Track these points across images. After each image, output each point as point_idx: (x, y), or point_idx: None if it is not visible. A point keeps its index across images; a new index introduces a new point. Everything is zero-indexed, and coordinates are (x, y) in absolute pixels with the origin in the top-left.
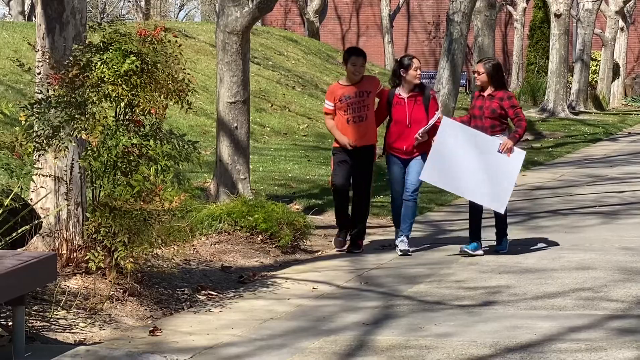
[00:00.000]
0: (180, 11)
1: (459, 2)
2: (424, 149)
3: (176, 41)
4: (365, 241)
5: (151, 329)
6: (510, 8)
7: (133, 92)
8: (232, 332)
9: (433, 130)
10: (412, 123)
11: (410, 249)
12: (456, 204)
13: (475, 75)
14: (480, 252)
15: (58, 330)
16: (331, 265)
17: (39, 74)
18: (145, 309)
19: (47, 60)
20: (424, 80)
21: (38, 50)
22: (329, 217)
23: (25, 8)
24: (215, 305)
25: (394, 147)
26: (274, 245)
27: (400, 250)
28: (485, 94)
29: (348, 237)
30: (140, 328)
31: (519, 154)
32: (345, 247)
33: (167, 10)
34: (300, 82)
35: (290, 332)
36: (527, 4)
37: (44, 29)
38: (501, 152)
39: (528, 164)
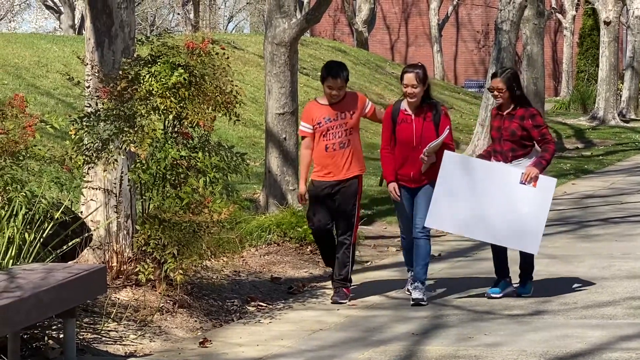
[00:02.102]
0: (229, 23)
1: (507, 10)
2: (432, 175)
3: (224, 53)
4: None
5: (201, 340)
6: (559, 16)
7: (181, 104)
8: (281, 343)
9: (441, 153)
10: (421, 144)
11: (426, 298)
12: None
13: (495, 92)
14: (510, 289)
15: (109, 342)
16: (380, 276)
17: (88, 87)
18: (195, 321)
19: (96, 74)
20: (472, 90)
21: (87, 63)
22: (378, 228)
23: (76, 22)
24: (264, 316)
25: (400, 173)
26: None
27: (413, 299)
28: (505, 112)
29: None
30: (190, 340)
31: (549, 183)
32: (347, 300)
33: (216, 22)
34: None
35: (340, 343)
36: (576, 11)
37: (93, 42)
38: (524, 184)
39: (578, 172)
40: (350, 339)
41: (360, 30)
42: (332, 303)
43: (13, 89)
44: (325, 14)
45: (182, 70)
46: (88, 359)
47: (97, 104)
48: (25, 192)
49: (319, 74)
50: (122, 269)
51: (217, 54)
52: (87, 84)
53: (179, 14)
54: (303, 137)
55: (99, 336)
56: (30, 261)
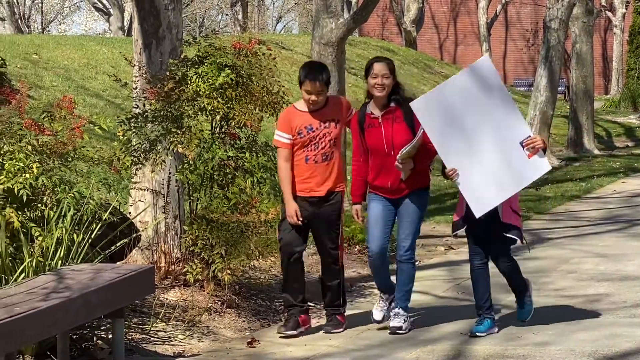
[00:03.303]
0: (277, 23)
1: (556, 8)
2: (417, 183)
3: (270, 53)
4: (465, 250)
5: (249, 340)
6: (609, 14)
7: (228, 105)
8: (329, 342)
9: (422, 155)
10: (393, 149)
11: (406, 326)
12: (555, 212)
13: None
14: (495, 329)
15: (157, 343)
16: (429, 275)
17: (136, 88)
18: (243, 321)
19: (144, 75)
20: (521, 89)
21: (135, 65)
22: (426, 227)
23: (125, 23)
24: (313, 316)
25: (376, 185)
26: None
27: (390, 327)
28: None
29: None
30: (238, 339)
31: (542, 164)
32: (302, 329)
33: (265, 22)
34: None
35: (387, 342)
36: (626, 9)
37: (141, 44)
38: (523, 148)
39: (628, 171)
40: (397, 339)
41: (409, 30)
42: (324, 333)
43: (62, 90)
44: (374, 13)
45: (229, 71)
46: (136, 359)
47: (144, 105)
48: (73, 193)
49: None
50: (170, 269)
51: (263, 54)
52: (134, 85)
53: (227, 15)
54: (280, 148)
55: (148, 336)
56: (78, 262)
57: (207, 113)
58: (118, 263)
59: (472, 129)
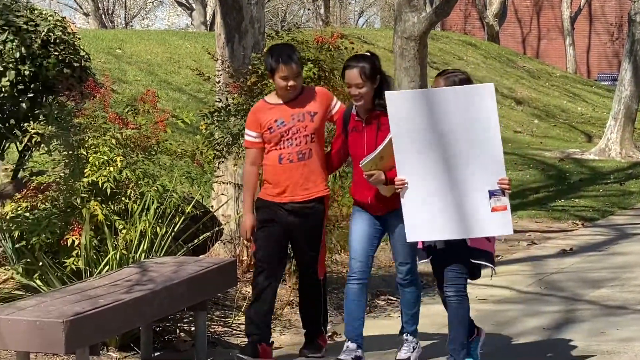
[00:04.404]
0: (359, 18)
1: None
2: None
3: (353, 47)
4: (548, 245)
5: (329, 334)
6: None
7: None
8: None
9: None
10: None
11: (412, 356)
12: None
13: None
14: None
15: (239, 336)
16: (511, 270)
17: (219, 82)
18: None
19: (226, 69)
20: (605, 83)
21: (217, 59)
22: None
23: (207, 18)
24: (394, 310)
25: (356, 200)
26: None
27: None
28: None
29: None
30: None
31: (502, 225)
32: None
33: (347, 17)
34: None
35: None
36: None
37: (224, 38)
38: (490, 197)
39: None
40: None
41: (491, 24)
42: (299, 357)
43: (146, 85)
44: (456, 7)
45: (312, 65)
46: (219, 352)
47: (227, 99)
48: (156, 187)
49: (450, 67)
50: (252, 262)
51: (346, 48)
52: (217, 79)
53: (309, 9)
54: (249, 148)
55: (230, 329)
56: (161, 255)
57: None
58: (201, 256)
59: (442, 149)
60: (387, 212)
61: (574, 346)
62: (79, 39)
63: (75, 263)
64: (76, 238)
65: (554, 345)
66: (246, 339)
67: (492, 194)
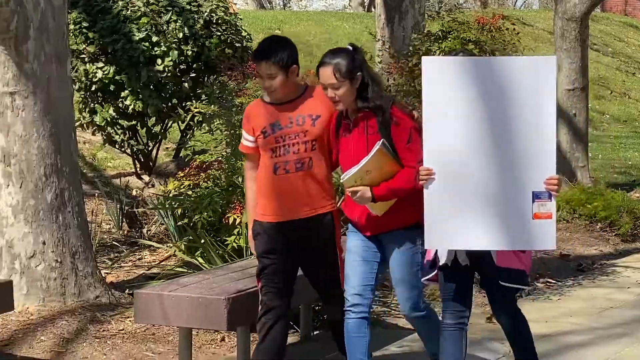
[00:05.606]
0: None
1: None
2: (396, 221)
3: (514, 29)
4: None
5: (488, 316)
6: None
7: None
8: (570, 320)
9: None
10: None
11: None
12: None
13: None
14: None
15: (398, 316)
16: None
17: (380, 62)
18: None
19: (387, 50)
20: None
21: (378, 40)
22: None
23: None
24: (553, 293)
25: (347, 217)
26: (613, 234)
27: None
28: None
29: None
30: (478, 315)
31: (544, 236)
32: None
33: None
34: None
35: (631, 321)
36: None
37: (384, 19)
38: (534, 200)
39: None
40: None
41: None
42: None
43: (305, 65)
44: None
45: (473, 46)
46: (378, 331)
47: (388, 80)
48: None
49: (610, 49)
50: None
51: (507, 29)
52: (378, 60)
53: None
54: (245, 155)
55: (389, 309)
56: None
57: None
58: None
59: (481, 134)
60: (380, 233)
61: None
62: (241, 19)
63: (236, 241)
64: (237, 216)
65: None
66: None
67: (536, 196)
